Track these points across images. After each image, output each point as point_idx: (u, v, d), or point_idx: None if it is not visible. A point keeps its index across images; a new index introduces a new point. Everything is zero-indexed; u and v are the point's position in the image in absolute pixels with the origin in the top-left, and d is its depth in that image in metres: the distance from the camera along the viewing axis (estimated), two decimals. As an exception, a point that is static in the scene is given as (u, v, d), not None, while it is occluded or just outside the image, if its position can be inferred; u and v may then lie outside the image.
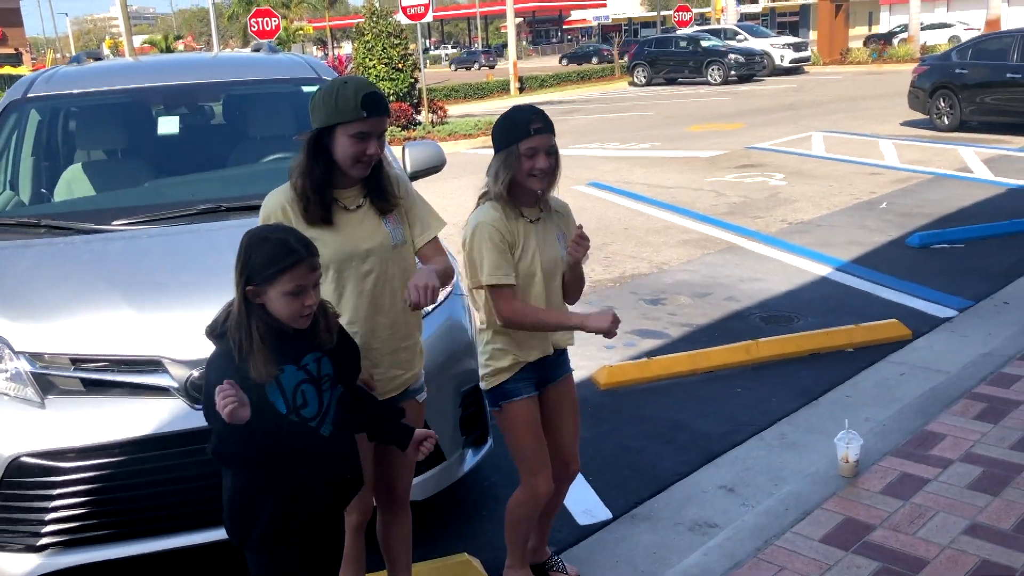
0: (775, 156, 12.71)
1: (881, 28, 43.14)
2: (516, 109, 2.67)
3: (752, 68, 28.51)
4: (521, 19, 67.45)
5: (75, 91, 4.39)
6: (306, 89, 4.45)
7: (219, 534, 2.56)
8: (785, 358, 5.16)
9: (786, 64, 30.44)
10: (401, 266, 2.59)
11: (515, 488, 2.90)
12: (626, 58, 34.39)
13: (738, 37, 31.63)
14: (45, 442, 2.82)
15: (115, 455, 2.83)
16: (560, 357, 2.89)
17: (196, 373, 2.85)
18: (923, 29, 32.35)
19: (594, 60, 46.15)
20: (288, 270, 2.00)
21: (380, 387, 2.56)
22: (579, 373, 5.02)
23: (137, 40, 42.44)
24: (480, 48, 61.66)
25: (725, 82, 27.92)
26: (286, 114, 4.54)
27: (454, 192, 9.92)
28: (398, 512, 2.83)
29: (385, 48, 19.32)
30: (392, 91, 19.28)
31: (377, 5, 20.72)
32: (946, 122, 13.94)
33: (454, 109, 21.85)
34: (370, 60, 19.38)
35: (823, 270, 6.93)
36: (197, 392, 2.85)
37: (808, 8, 47.99)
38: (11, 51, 51.39)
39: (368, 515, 2.74)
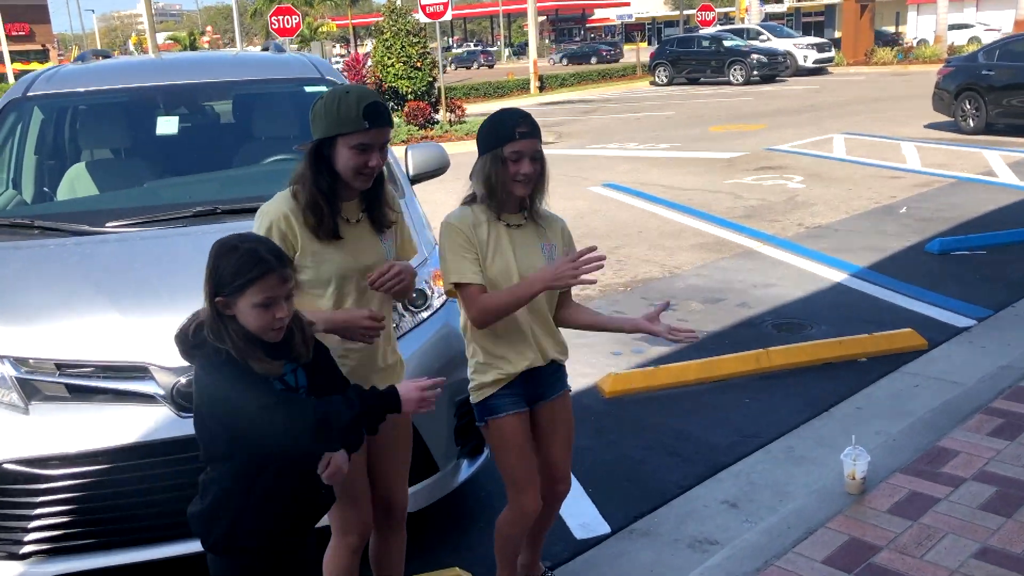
0: (795, 158, 12.54)
1: (908, 28, 42.42)
2: (503, 112, 2.59)
3: (775, 68, 28.22)
4: (544, 17, 67.34)
5: (75, 90, 4.37)
6: (308, 89, 4.40)
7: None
8: (796, 367, 5.05)
9: (809, 64, 30.15)
10: None
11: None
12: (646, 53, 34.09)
13: (761, 37, 31.35)
14: (29, 449, 2.79)
15: (100, 463, 2.80)
16: (556, 373, 2.78)
17: (183, 380, 2.80)
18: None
19: (593, 60, 45.88)
20: (257, 280, 1.93)
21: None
22: (584, 380, 4.97)
23: (161, 37, 42.81)
24: (480, 48, 61.85)
25: (747, 82, 27.68)
26: (288, 114, 4.49)
27: (465, 193, 9.82)
28: (394, 528, 2.78)
29: (404, 47, 19.31)
30: (410, 89, 19.27)
31: (398, 3, 20.73)
32: (971, 124, 13.70)
33: (473, 108, 21.80)
34: (389, 58, 19.38)
35: (839, 276, 6.79)
36: (183, 399, 2.80)
37: (833, 8, 47.47)
38: (38, 47, 52.09)
39: (367, 536, 2.69)
